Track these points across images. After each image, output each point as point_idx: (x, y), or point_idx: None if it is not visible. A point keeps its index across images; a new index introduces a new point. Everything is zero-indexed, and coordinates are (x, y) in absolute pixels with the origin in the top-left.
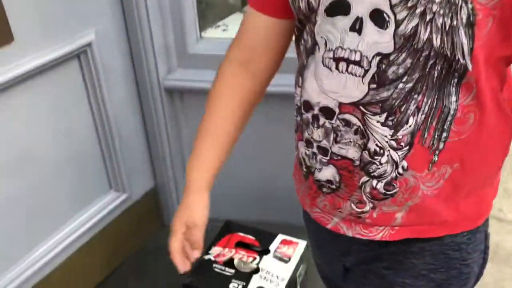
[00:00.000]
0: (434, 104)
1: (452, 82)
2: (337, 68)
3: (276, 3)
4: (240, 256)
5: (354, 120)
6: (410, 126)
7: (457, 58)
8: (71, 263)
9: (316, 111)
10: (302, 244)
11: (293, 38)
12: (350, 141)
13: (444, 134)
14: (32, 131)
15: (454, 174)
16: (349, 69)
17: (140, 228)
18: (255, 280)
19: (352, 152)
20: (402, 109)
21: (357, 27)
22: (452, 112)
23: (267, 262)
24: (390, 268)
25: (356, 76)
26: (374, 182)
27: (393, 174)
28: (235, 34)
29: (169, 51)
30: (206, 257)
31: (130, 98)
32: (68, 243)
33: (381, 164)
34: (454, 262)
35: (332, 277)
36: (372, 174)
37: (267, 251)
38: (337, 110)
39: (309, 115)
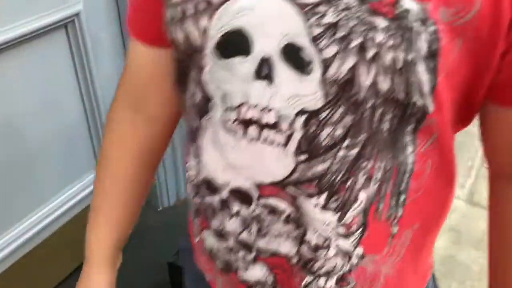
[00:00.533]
0: (389, 166)
1: (406, 130)
2: (245, 134)
3: (152, 28)
4: None
5: (282, 205)
6: (361, 204)
7: (412, 101)
8: (56, 239)
9: (225, 194)
10: None
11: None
12: (280, 233)
13: (402, 197)
14: (17, 101)
15: (414, 237)
16: (263, 136)
17: None
18: None
19: (286, 246)
20: (348, 185)
21: (264, 73)
22: (409, 167)
23: None
24: None
25: (274, 145)
26: (322, 280)
27: (346, 268)
28: None
29: None
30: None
31: (118, 72)
32: (53, 219)
33: (328, 259)
34: None
35: None
36: (317, 272)
37: None
38: (255, 193)
39: (214, 200)
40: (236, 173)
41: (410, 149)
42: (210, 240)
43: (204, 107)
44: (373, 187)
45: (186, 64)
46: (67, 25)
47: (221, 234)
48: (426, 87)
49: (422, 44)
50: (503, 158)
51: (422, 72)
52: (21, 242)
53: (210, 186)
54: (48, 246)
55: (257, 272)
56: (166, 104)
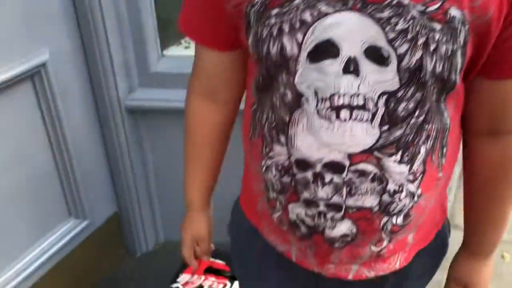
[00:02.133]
0: (439, 127)
1: (443, 98)
2: (338, 117)
3: (218, 35)
4: (210, 283)
5: (370, 168)
6: (422, 156)
7: (450, 77)
8: None
9: (318, 168)
10: None
11: (254, 89)
12: (367, 190)
13: (445, 150)
14: None
15: (443, 178)
16: (354, 116)
17: (105, 255)
18: None
19: (370, 201)
20: (415, 142)
21: (351, 68)
22: (448, 126)
23: None
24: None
25: (363, 121)
26: (394, 218)
27: (410, 205)
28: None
29: (130, 70)
30: (174, 285)
31: (89, 121)
32: (28, 273)
33: (400, 200)
34: (440, 257)
35: None
36: (392, 212)
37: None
38: (347, 162)
39: (307, 174)
40: (329, 150)
41: (446, 114)
42: (296, 210)
43: (296, 103)
44: (429, 143)
45: (274, 71)
46: (33, 76)
47: (311, 202)
48: (459, 67)
49: (461, 38)
50: (483, 119)
51: (459, 57)
52: None
53: (303, 165)
54: None
55: (343, 228)
56: (234, 92)
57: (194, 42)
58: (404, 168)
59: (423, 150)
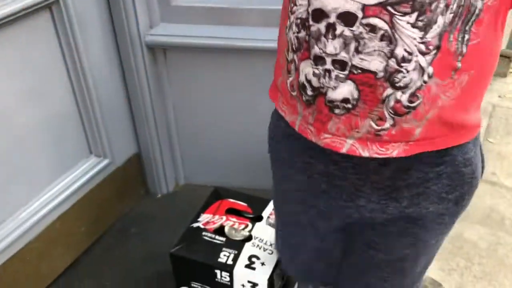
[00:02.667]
0: (462, 3)
1: None
2: None
3: None
4: (231, 223)
5: (381, 23)
6: (438, 27)
7: None
8: (52, 232)
9: (332, 18)
10: None
11: None
12: (375, 50)
13: (467, 36)
14: (1, 90)
15: (469, 82)
16: None
17: (124, 195)
18: (247, 248)
19: (376, 63)
20: (432, 7)
21: None
22: (477, 12)
23: (260, 229)
24: (413, 205)
25: None
26: (399, 94)
27: (418, 83)
28: None
29: (151, 3)
30: (195, 224)
31: (109, 55)
32: (47, 210)
33: (407, 72)
34: (466, 178)
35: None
36: (397, 84)
37: (259, 218)
38: (360, 14)
39: (321, 26)
40: (345, 0)
41: None
42: (306, 70)
43: None
44: (448, 15)
45: None
46: (51, 5)
47: (320, 58)
48: None
49: None
50: None
51: None
52: (15, 236)
53: (318, 14)
54: (44, 240)
55: (345, 90)
56: None
57: None
58: (417, 33)
59: (440, 20)
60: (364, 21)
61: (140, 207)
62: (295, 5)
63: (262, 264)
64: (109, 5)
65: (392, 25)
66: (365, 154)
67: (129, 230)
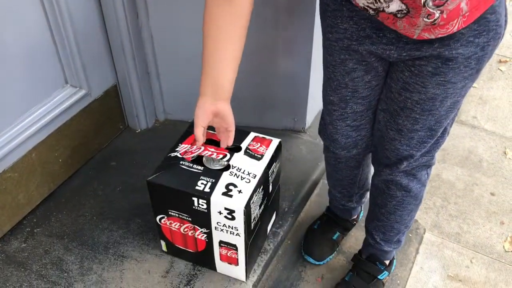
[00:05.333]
0: None
1: None
2: None
3: None
4: (209, 153)
5: None
6: None
7: None
8: (28, 162)
9: None
10: (275, 141)
11: None
12: None
13: None
14: None
15: None
16: None
17: (103, 129)
18: (225, 177)
19: None
20: None
21: None
22: None
23: (238, 159)
24: (443, 45)
25: None
26: None
27: None
28: None
29: None
30: (173, 154)
31: None
32: (21, 140)
33: None
34: (492, 25)
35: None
36: None
37: (238, 149)
38: None
39: None
40: None
41: None
42: (360, 1)
43: None
44: None
45: None
46: None
47: None
48: None
49: None
50: None
51: None
52: None
53: None
54: (20, 170)
55: (395, 6)
56: None
57: None
58: None
59: None
60: None
61: (120, 141)
62: None
63: (239, 191)
64: None
65: None
66: (432, 37)
67: (108, 163)
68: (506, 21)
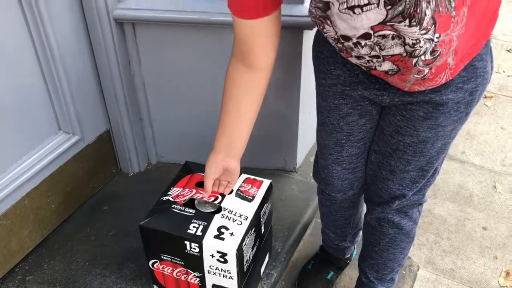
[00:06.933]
0: None
1: None
2: (354, 13)
3: (255, 6)
4: (201, 196)
5: (387, 32)
6: (428, 16)
7: None
8: (21, 209)
9: (354, 39)
10: (266, 182)
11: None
12: (392, 45)
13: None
14: None
15: (470, 8)
16: (364, 10)
17: (96, 173)
18: (217, 219)
19: (397, 49)
20: (418, 10)
21: None
22: None
23: (230, 202)
24: (435, 91)
25: (372, 10)
26: (422, 56)
27: (433, 45)
28: None
29: None
30: (165, 197)
31: (77, 29)
32: (14, 187)
33: (421, 46)
34: (479, 71)
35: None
36: (418, 54)
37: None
38: (371, 32)
39: (350, 43)
40: (356, 30)
41: None
42: (353, 60)
43: (326, 7)
44: (432, 4)
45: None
46: None
47: (359, 57)
48: None
49: None
50: None
51: None
52: None
53: (345, 38)
54: (12, 217)
55: (386, 66)
56: (267, 56)
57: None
58: (415, 28)
59: (428, 12)
60: (376, 34)
61: (112, 185)
62: (324, 31)
63: (231, 234)
64: None
65: (395, 30)
66: (422, 89)
67: (101, 208)
68: (492, 66)
